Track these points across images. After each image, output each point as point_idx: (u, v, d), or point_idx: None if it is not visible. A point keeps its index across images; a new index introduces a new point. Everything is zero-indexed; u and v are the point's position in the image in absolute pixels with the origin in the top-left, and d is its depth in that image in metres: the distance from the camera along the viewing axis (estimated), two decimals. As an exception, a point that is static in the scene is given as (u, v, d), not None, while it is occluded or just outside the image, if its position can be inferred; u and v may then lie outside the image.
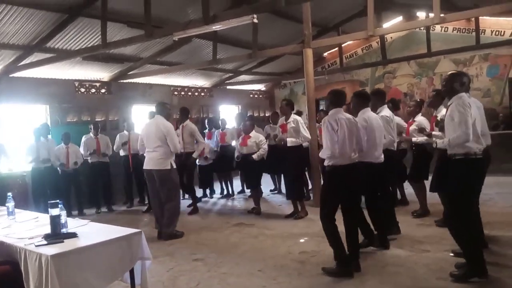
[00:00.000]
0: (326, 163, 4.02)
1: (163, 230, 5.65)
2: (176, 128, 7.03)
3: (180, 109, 7.60)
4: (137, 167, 7.24)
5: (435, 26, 9.72)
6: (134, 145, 7.72)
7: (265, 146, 6.92)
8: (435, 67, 10.80)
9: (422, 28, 9.78)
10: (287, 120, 6.33)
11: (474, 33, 9.31)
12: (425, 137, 5.55)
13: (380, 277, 3.79)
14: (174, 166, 5.67)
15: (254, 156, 6.74)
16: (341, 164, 3.91)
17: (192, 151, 7.20)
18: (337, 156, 3.88)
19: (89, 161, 8.04)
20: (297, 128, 6.20)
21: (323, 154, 4.04)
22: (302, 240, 5.18)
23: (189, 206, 7.51)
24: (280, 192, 8.57)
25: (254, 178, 7.03)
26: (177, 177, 5.83)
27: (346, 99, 4.32)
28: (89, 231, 3.18)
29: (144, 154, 5.79)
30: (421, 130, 5.45)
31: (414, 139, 5.84)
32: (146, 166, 5.69)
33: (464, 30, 10.21)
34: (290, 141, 6.21)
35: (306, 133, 6.25)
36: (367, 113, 4.54)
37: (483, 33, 9.48)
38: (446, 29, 10.38)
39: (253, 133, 7.00)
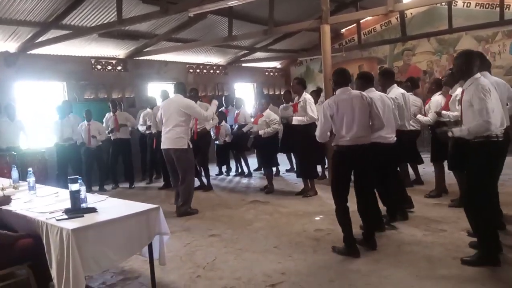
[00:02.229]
0: (333, 143, 4.01)
1: (177, 210, 5.72)
2: None
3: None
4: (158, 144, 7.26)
5: (457, 2, 9.42)
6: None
7: (276, 126, 6.87)
8: (456, 44, 10.46)
9: (443, 3, 9.46)
10: (299, 99, 6.29)
11: (498, 9, 8.97)
12: (430, 118, 5.49)
13: (395, 257, 3.78)
14: (191, 146, 5.71)
15: (260, 132, 6.80)
16: (345, 145, 3.88)
17: (203, 129, 7.19)
18: (320, 139, 4.05)
19: (112, 138, 8.16)
20: (305, 107, 6.14)
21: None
22: (317, 218, 5.19)
23: (197, 188, 7.05)
24: (295, 171, 8.55)
25: (266, 157, 7.06)
26: (193, 157, 5.86)
27: (350, 75, 4.20)
28: (108, 206, 3.24)
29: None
30: (438, 114, 5.38)
31: (420, 118, 5.76)
32: (164, 145, 5.73)
33: (487, 6, 9.83)
34: (295, 119, 6.21)
35: (312, 112, 6.12)
36: (371, 93, 4.45)
37: (507, 9, 9.14)
38: (468, 4, 10.03)
39: (266, 112, 6.98)
